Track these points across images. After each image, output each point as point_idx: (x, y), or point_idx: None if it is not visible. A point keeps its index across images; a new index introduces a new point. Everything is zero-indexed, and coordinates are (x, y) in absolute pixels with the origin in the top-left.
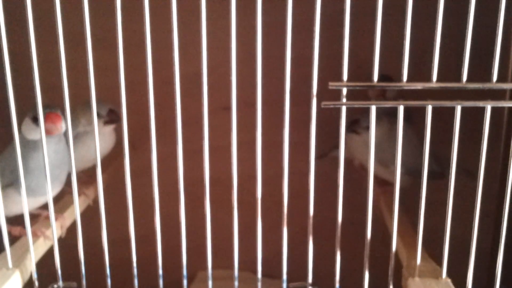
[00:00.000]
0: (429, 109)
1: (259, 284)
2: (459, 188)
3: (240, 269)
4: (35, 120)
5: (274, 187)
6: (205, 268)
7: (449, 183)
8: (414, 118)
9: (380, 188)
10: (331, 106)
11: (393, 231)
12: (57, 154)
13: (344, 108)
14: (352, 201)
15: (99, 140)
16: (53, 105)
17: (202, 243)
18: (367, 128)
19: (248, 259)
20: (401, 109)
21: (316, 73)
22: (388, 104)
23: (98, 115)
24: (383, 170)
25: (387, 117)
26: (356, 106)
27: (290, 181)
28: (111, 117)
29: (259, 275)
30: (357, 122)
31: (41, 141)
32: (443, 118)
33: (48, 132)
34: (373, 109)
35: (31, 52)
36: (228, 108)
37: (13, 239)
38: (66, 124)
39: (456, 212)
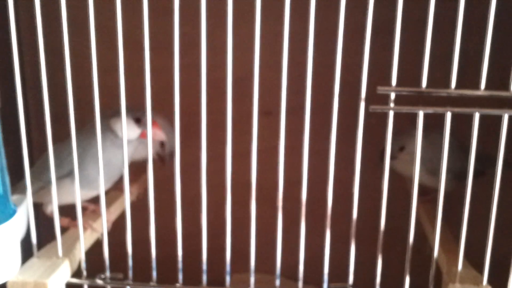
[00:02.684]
0: (477, 116)
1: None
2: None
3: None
4: (138, 121)
5: (315, 193)
6: (241, 271)
7: (493, 192)
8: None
9: (420, 198)
10: (379, 111)
11: (435, 236)
12: (115, 156)
13: (391, 113)
14: (391, 209)
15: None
16: (138, 109)
17: (239, 246)
18: (401, 149)
19: (283, 264)
20: (448, 116)
21: (365, 77)
22: (436, 110)
23: (162, 144)
24: (430, 179)
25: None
26: (404, 111)
27: (334, 187)
28: (165, 159)
29: (301, 277)
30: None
31: (128, 142)
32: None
33: (145, 137)
34: (421, 114)
35: (93, 55)
36: (269, 113)
37: (61, 230)
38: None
39: (497, 220)
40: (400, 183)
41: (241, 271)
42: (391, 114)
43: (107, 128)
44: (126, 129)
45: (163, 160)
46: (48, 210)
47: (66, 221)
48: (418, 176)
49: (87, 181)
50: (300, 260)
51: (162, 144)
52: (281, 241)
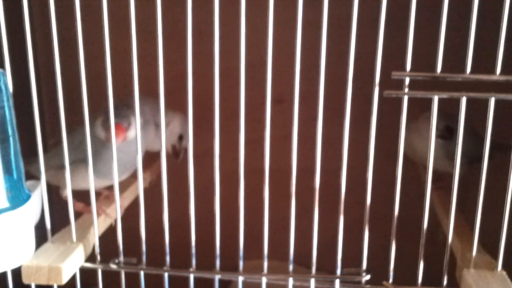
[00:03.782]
0: (492, 101)
1: (313, 271)
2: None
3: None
4: (103, 124)
5: (328, 181)
6: (254, 258)
7: (508, 181)
8: None
9: (434, 184)
10: (393, 96)
11: (449, 221)
12: (128, 149)
13: (406, 98)
14: (403, 196)
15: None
16: (125, 106)
17: (252, 234)
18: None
19: (296, 252)
20: (463, 101)
21: (379, 62)
22: (451, 95)
23: (180, 137)
24: (446, 163)
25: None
26: (418, 96)
27: (347, 174)
28: (180, 153)
29: (314, 262)
30: (450, 129)
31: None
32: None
33: (110, 141)
34: (436, 99)
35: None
36: (282, 101)
37: (75, 215)
38: (135, 129)
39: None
40: (413, 170)
41: (254, 259)
42: (405, 99)
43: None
44: (98, 133)
45: (178, 153)
46: (64, 193)
47: (81, 206)
48: (433, 161)
49: (101, 171)
50: (313, 245)
51: (180, 137)
52: (294, 228)
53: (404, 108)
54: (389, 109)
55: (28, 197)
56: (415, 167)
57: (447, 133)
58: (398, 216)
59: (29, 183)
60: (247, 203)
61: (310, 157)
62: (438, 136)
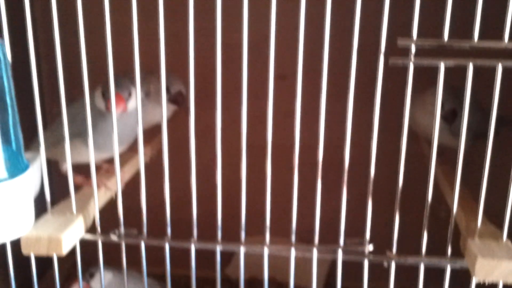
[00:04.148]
0: (499, 68)
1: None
2: None
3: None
4: (103, 95)
5: (331, 156)
6: (255, 234)
7: None
8: None
9: (438, 159)
10: (399, 64)
11: (455, 191)
12: (126, 121)
13: (411, 66)
14: (407, 169)
15: (158, 109)
16: (124, 77)
17: (253, 210)
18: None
19: (298, 227)
20: (470, 67)
21: (385, 30)
22: (458, 62)
23: (168, 89)
24: (452, 139)
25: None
26: (424, 64)
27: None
28: (178, 99)
29: (317, 234)
30: (455, 113)
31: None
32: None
33: (110, 111)
34: (442, 66)
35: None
36: (284, 77)
37: (75, 188)
38: (135, 98)
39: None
40: (416, 145)
41: (255, 235)
42: (411, 67)
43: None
44: (99, 103)
45: (178, 103)
46: (63, 168)
47: (80, 178)
48: (439, 135)
49: (98, 144)
50: (316, 216)
51: (181, 94)
52: (296, 203)
53: (409, 77)
54: (395, 83)
55: (27, 166)
56: (416, 140)
57: (451, 116)
58: (402, 192)
59: (28, 155)
60: (248, 180)
61: (313, 133)
62: (442, 116)
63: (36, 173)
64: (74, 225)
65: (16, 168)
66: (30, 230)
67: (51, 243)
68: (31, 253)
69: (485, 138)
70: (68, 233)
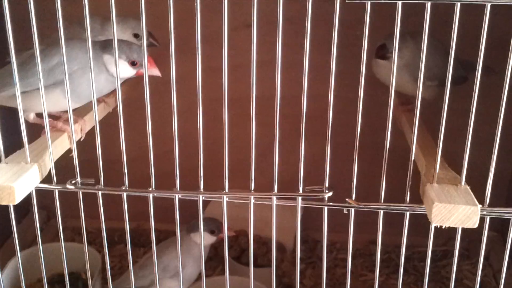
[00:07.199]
0: (458, 6)
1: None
2: (483, 93)
3: (256, 190)
4: (133, 64)
5: (293, 107)
6: (237, 188)
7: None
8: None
9: (402, 107)
10: (356, 1)
11: (413, 135)
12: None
13: (369, 4)
14: (373, 119)
15: None
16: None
17: (216, 164)
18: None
19: (262, 181)
20: (428, 6)
21: None
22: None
23: (137, 36)
24: (415, 87)
25: (412, 37)
26: (382, 1)
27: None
28: (150, 40)
29: (276, 182)
30: (384, 47)
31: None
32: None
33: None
34: (400, 5)
35: None
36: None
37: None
38: None
39: (476, 123)
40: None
41: (237, 188)
42: (368, 5)
43: (101, 63)
44: (120, 69)
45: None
46: (30, 117)
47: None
48: (401, 85)
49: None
50: (275, 164)
51: (136, 35)
52: (277, 155)
53: (367, 16)
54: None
55: None
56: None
57: (380, 51)
58: (363, 139)
59: None
60: (229, 131)
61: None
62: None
63: None
64: (27, 174)
65: None
66: None
67: (3, 192)
68: None
69: (456, 84)
70: (21, 182)
